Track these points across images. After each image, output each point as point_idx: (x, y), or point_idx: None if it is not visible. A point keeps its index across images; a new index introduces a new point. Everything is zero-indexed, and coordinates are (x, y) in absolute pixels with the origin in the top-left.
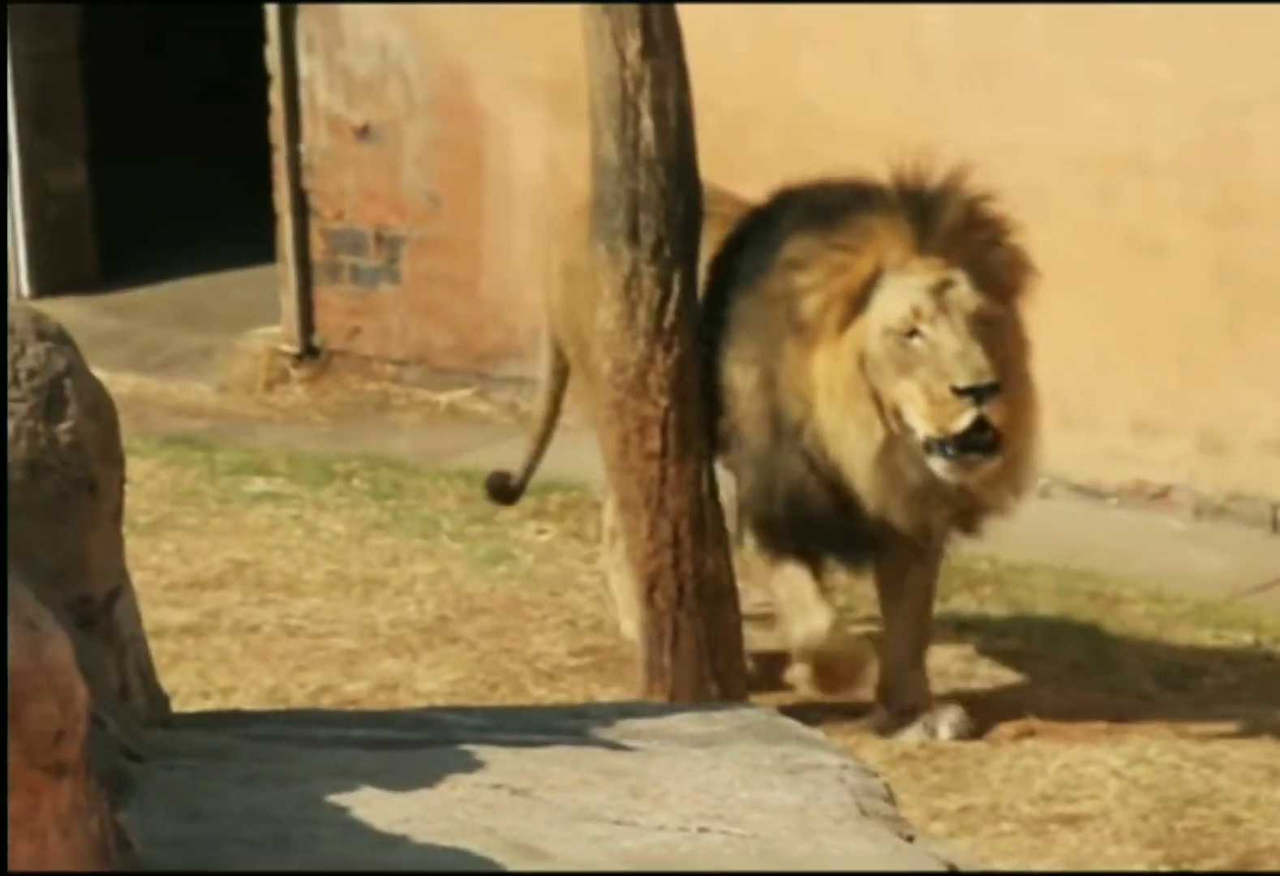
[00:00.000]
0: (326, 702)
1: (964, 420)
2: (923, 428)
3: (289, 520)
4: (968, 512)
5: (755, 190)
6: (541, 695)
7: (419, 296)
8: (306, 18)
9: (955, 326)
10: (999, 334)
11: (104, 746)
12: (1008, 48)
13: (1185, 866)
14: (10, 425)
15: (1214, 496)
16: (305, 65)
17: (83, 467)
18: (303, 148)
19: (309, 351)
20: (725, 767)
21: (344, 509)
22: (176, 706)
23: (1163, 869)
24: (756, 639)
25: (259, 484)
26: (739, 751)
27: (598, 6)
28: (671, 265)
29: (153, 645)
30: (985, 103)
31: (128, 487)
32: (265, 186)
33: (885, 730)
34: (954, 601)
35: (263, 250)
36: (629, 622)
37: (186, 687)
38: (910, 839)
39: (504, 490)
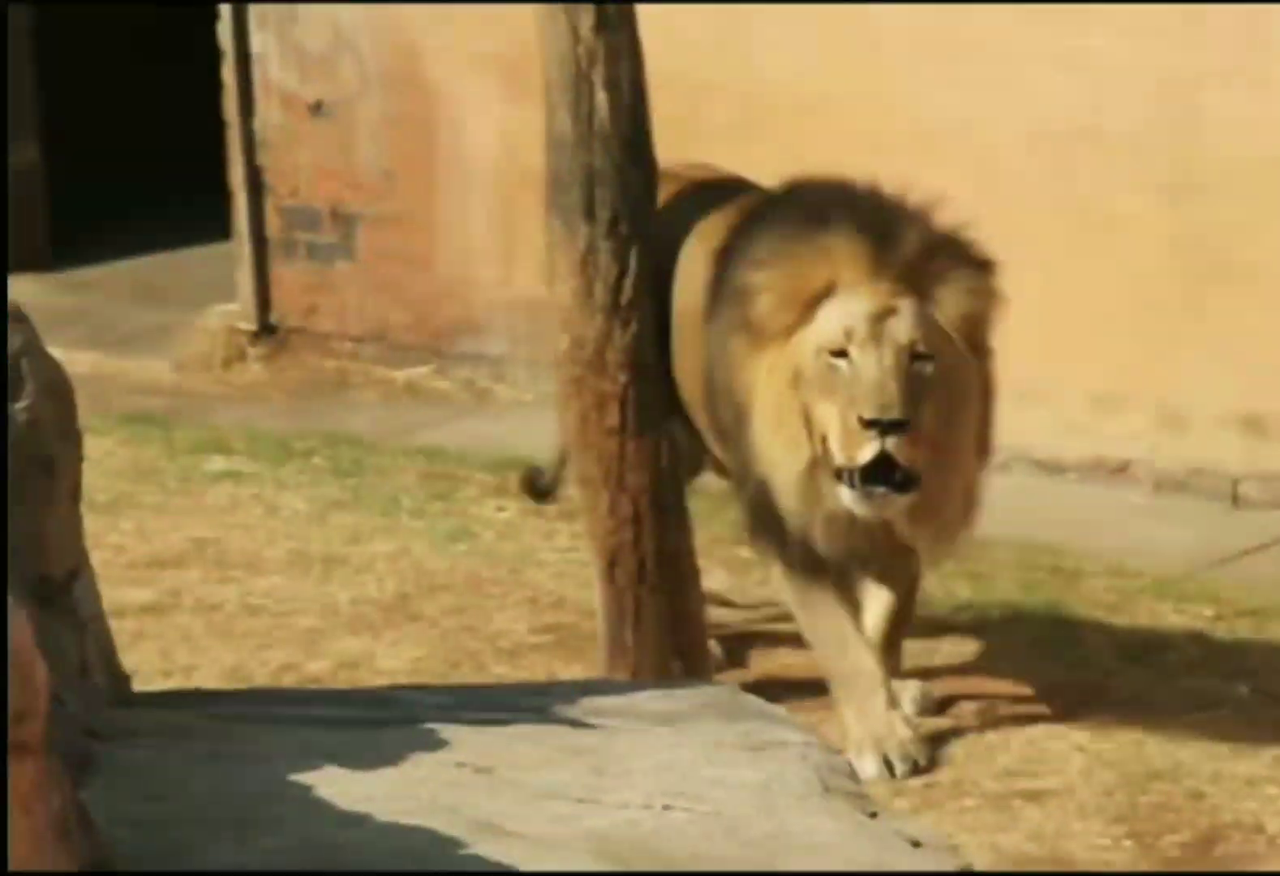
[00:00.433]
0: (288, 681)
1: (866, 452)
2: (835, 454)
3: (249, 498)
4: (898, 550)
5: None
6: (503, 673)
7: (375, 273)
8: None
9: (882, 356)
10: (941, 373)
11: (65, 725)
12: (963, 22)
13: (1149, 841)
14: None
15: (1174, 471)
16: (257, 41)
17: (40, 447)
18: (256, 124)
19: (266, 329)
20: (688, 745)
21: (304, 487)
22: (138, 685)
23: (1126, 844)
24: (720, 618)
25: (218, 462)
26: (702, 729)
27: None
28: (628, 241)
29: (113, 624)
30: (940, 77)
31: (86, 466)
32: (218, 163)
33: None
34: None
35: (218, 227)
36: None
37: (148, 666)
38: (874, 815)
39: (537, 486)
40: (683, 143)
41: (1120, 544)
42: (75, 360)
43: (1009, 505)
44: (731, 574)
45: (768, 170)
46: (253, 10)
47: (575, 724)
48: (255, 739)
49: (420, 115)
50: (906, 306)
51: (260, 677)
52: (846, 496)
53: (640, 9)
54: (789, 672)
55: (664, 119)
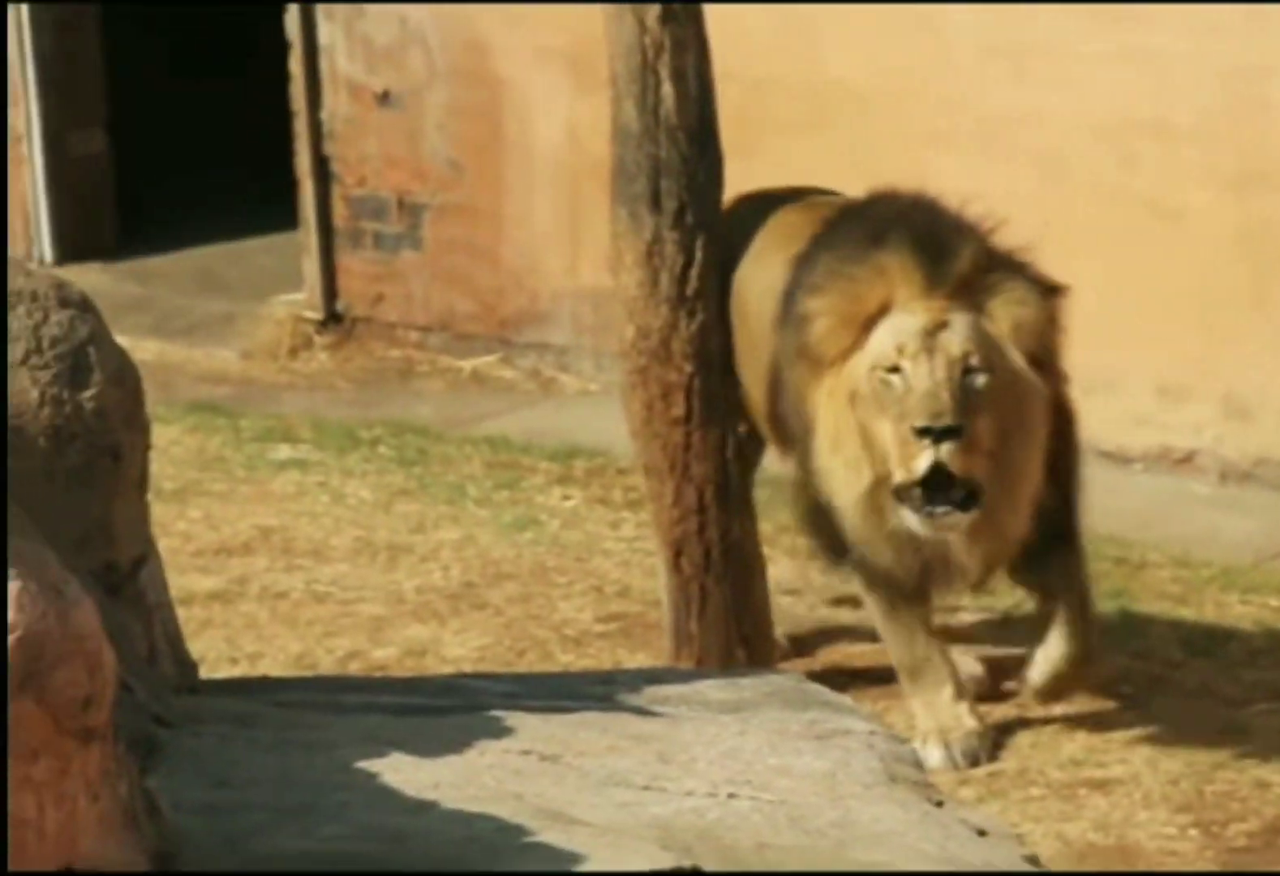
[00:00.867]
0: (354, 668)
1: (921, 463)
2: (894, 471)
3: (315, 486)
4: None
5: (775, 158)
6: (568, 661)
7: (441, 263)
8: None
9: (934, 367)
10: (998, 387)
11: (132, 712)
12: (1026, 17)
13: (1214, 830)
14: (34, 393)
15: (1239, 461)
16: (325, 32)
17: (107, 435)
18: (323, 114)
19: (332, 318)
20: (753, 733)
21: (369, 475)
22: (204, 672)
23: (1192, 833)
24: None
25: (284, 450)
26: (767, 717)
27: None
28: (694, 231)
29: (180, 611)
30: (1004, 71)
31: (153, 454)
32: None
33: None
34: None
35: (285, 216)
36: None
37: (214, 653)
38: (939, 804)
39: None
40: (747, 136)
41: (1186, 534)
42: (142, 349)
43: None
44: (796, 562)
45: (830, 164)
46: (320, 5)
47: (640, 712)
48: (321, 726)
49: (487, 106)
50: (959, 320)
51: (326, 665)
52: (909, 519)
53: (707, 6)
54: (854, 661)
55: (728, 112)
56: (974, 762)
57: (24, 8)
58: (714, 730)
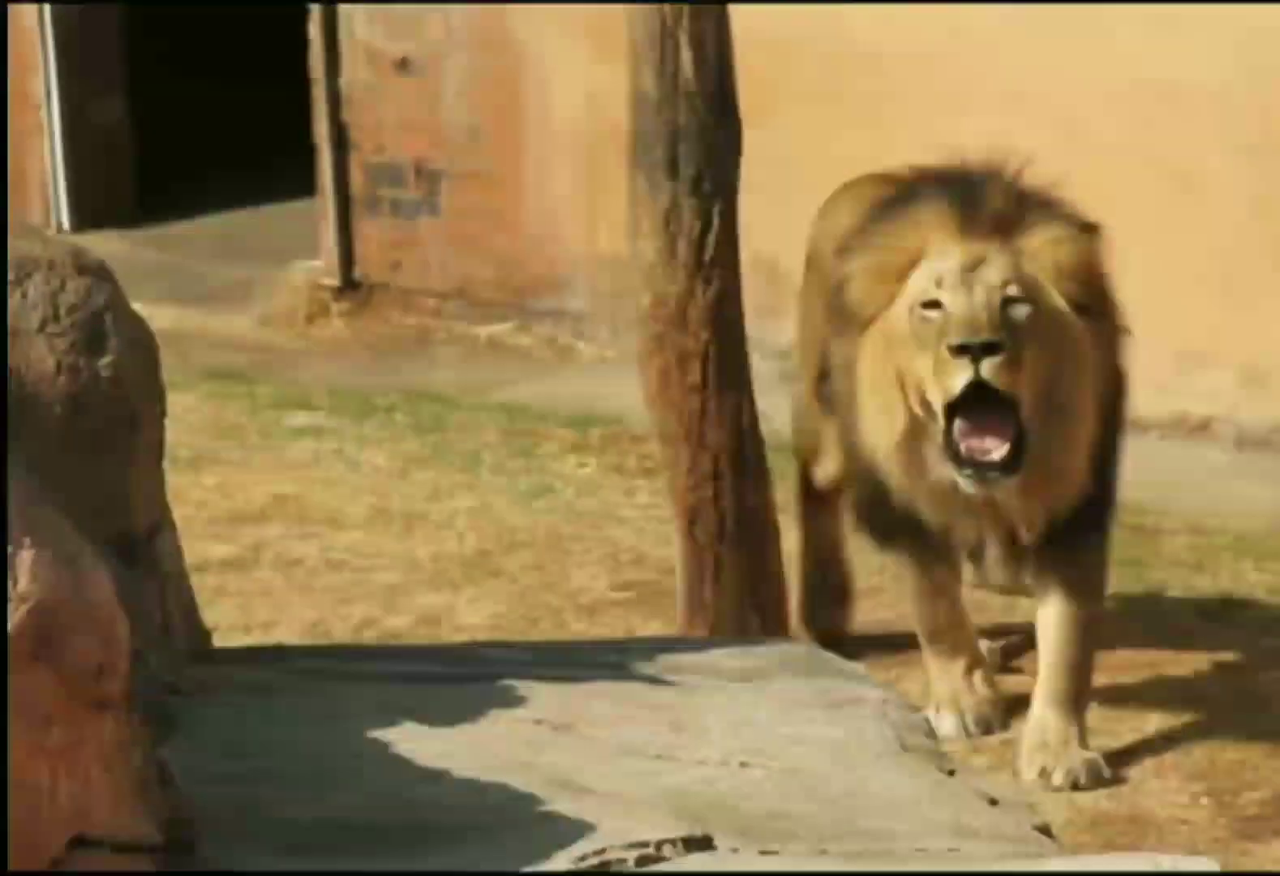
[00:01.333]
0: (368, 636)
1: (959, 380)
2: (934, 399)
3: (330, 454)
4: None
5: (795, 123)
6: (582, 629)
7: (459, 229)
8: None
9: (974, 294)
10: (1040, 324)
11: (146, 681)
12: None
13: (1226, 799)
14: (51, 360)
15: (1256, 428)
16: None
17: (123, 402)
18: (341, 81)
19: (349, 285)
20: (766, 702)
21: (385, 442)
22: (218, 641)
23: (1204, 802)
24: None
25: (300, 418)
26: (780, 686)
27: None
28: (711, 198)
29: (194, 579)
30: (1024, 36)
31: (169, 422)
32: (305, 119)
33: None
34: None
35: (302, 183)
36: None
37: (228, 622)
38: (951, 773)
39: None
40: (766, 102)
41: (1201, 502)
42: (159, 315)
43: None
44: None
45: (850, 129)
46: None
47: (653, 681)
48: (335, 695)
49: (506, 72)
50: (997, 257)
51: (340, 633)
52: (958, 478)
53: None
54: (867, 629)
55: (747, 78)
56: (987, 731)
57: None
58: (726, 699)
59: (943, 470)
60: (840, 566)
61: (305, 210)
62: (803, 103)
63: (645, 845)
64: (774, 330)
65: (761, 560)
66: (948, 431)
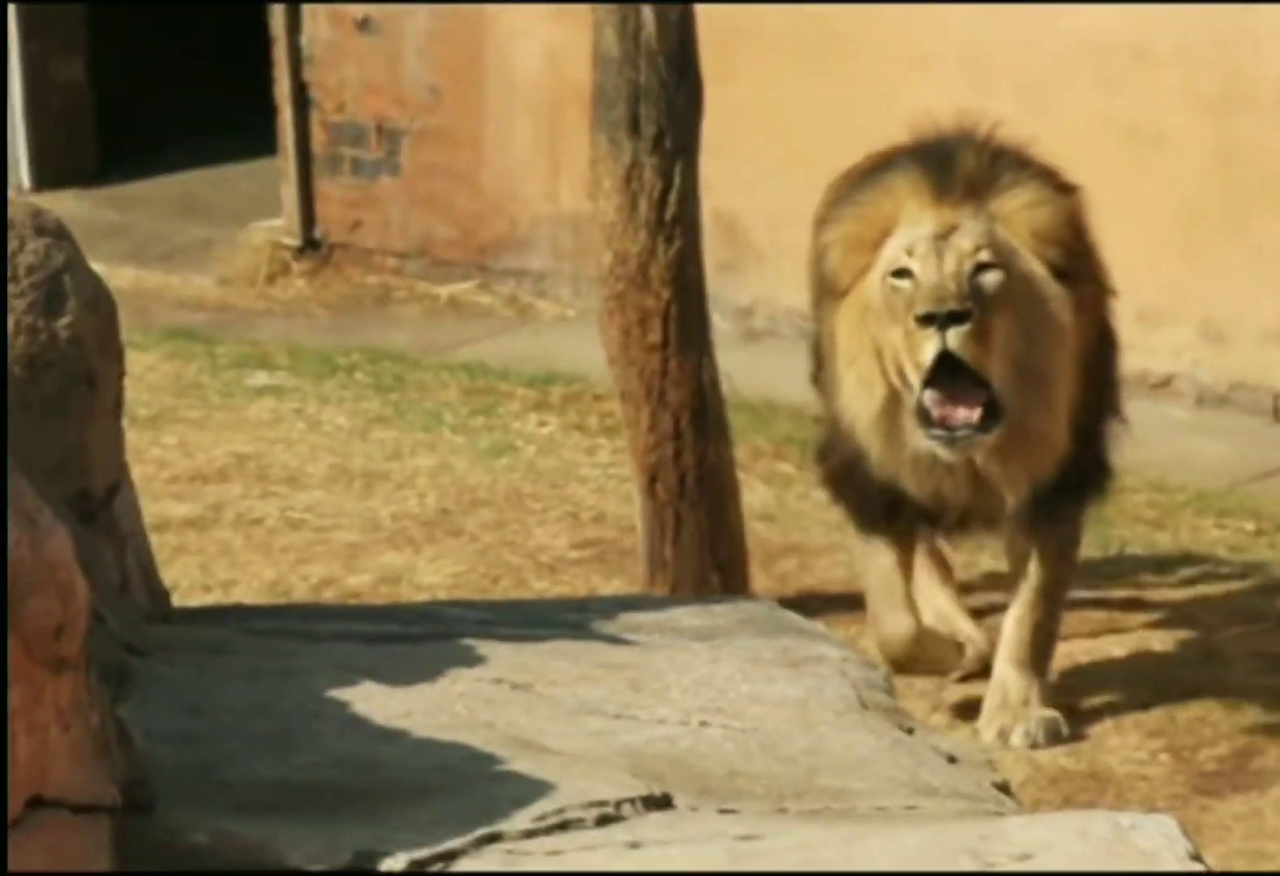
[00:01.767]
0: (328, 595)
1: (927, 351)
2: (906, 369)
3: (291, 413)
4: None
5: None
6: (543, 588)
7: (420, 189)
8: None
9: (943, 263)
10: (1014, 290)
11: (104, 641)
12: None
13: (1185, 755)
14: (10, 321)
15: (1216, 385)
16: None
17: (82, 362)
18: (303, 40)
19: (310, 244)
20: (726, 661)
21: (346, 402)
22: (177, 600)
23: (1163, 758)
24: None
25: (261, 377)
26: (740, 644)
27: None
28: (673, 157)
29: (154, 539)
30: None
31: (128, 381)
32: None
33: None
34: None
35: (264, 143)
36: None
37: (187, 581)
38: (910, 731)
39: None
40: (727, 62)
41: (1162, 458)
42: (118, 275)
43: None
44: (771, 488)
45: (810, 90)
46: None
47: (613, 639)
48: (294, 654)
49: (467, 31)
50: (970, 223)
51: (300, 592)
52: (926, 441)
53: None
54: (827, 587)
55: (709, 38)
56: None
57: None
58: (687, 658)
59: (920, 439)
60: None
61: (266, 170)
62: (764, 62)
63: (604, 804)
64: (734, 288)
65: (722, 518)
66: (920, 400)
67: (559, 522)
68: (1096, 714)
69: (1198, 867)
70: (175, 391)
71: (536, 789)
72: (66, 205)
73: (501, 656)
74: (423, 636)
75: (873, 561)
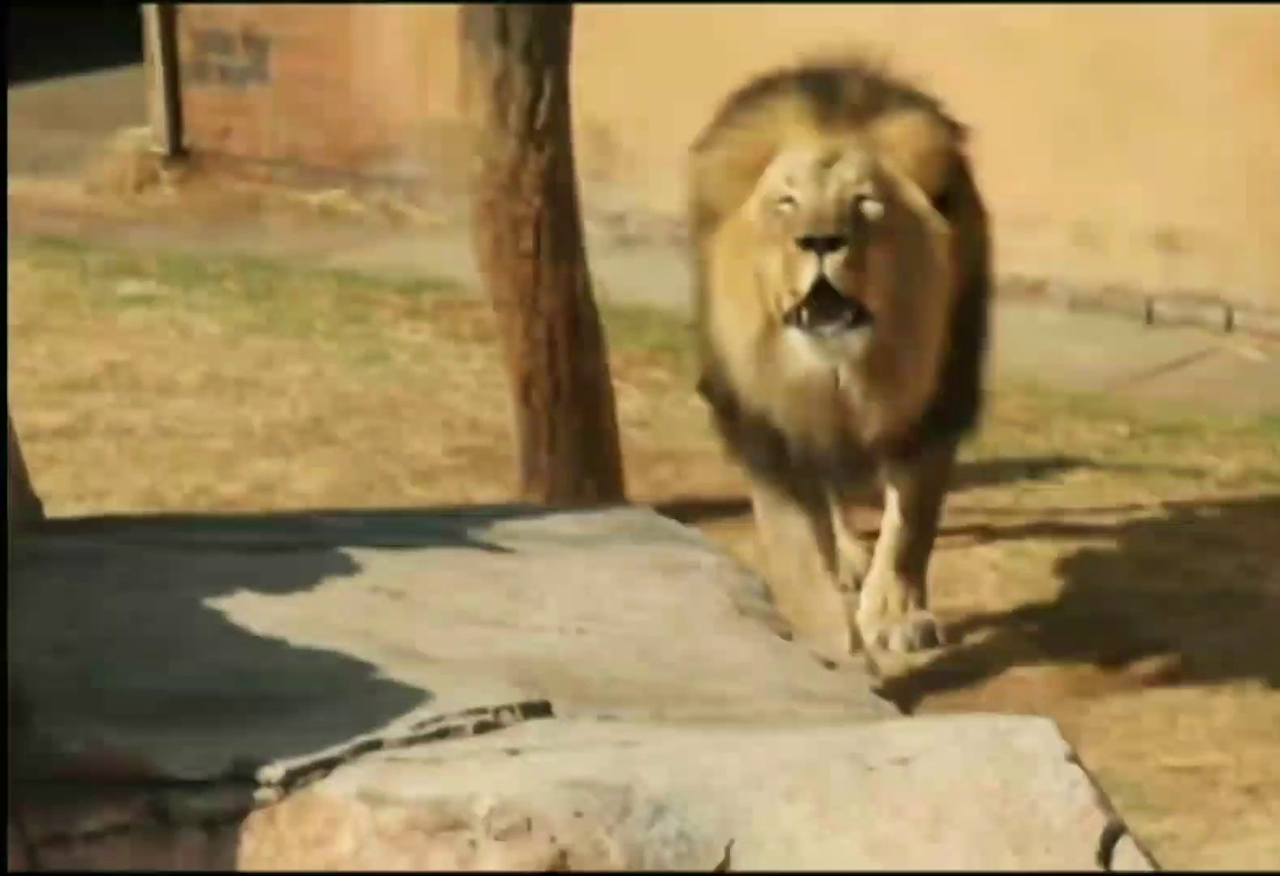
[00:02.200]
0: (202, 504)
1: (805, 277)
2: (784, 296)
3: (162, 321)
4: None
5: None
6: (418, 495)
7: (289, 96)
8: None
9: (824, 190)
10: (894, 222)
11: None
12: None
13: (1063, 658)
14: None
15: (1089, 289)
16: None
17: None
18: None
19: (178, 152)
20: (603, 568)
21: (217, 310)
22: (50, 511)
23: (1041, 661)
24: (637, 443)
25: (131, 285)
26: (617, 551)
27: None
28: (543, 65)
29: (25, 448)
30: None
31: None
32: None
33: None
34: None
35: (130, 50)
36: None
37: (60, 491)
38: (788, 636)
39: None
40: None
41: (1035, 362)
42: None
43: None
44: (646, 395)
45: None
46: None
47: (490, 548)
48: (169, 564)
49: None
50: (853, 153)
51: (174, 501)
52: (796, 341)
53: None
54: (702, 493)
55: None
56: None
57: None
58: (564, 565)
59: (795, 365)
60: None
61: (133, 77)
62: None
63: (483, 712)
64: (605, 195)
65: (596, 425)
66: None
67: (433, 430)
68: (973, 618)
69: (1074, 768)
70: (45, 300)
71: (415, 697)
72: None
73: (378, 565)
74: (297, 545)
75: (784, 536)
